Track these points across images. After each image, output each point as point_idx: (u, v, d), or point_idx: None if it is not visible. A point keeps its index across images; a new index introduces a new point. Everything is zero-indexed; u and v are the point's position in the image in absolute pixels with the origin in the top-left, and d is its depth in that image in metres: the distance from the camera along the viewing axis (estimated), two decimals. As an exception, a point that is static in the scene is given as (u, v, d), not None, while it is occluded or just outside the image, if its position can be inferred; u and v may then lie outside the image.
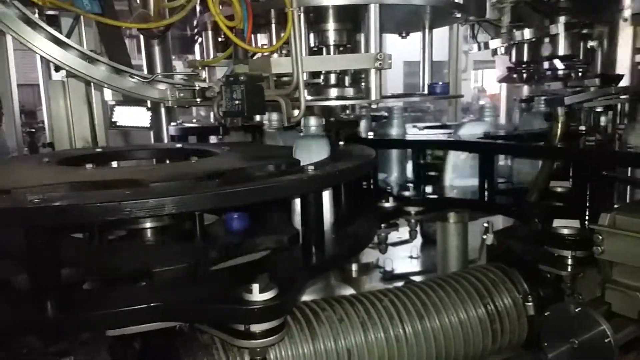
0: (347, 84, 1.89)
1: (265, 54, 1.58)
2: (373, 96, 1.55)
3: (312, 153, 1.57)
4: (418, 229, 2.51)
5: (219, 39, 2.07)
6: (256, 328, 1.08)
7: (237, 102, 1.35)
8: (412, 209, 2.08)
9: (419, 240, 3.56)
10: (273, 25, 1.84)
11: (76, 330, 1.07)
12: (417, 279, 3.32)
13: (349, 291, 2.86)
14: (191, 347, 1.18)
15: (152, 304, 1.04)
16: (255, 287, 1.07)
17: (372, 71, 1.53)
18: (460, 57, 6.42)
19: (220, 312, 1.08)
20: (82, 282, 1.13)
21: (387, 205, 2.00)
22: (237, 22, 1.34)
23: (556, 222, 1.60)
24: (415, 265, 3.61)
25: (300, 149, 1.60)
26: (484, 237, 1.72)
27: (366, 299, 1.46)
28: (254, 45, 1.82)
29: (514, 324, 1.56)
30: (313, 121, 1.64)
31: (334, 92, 1.93)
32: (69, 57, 1.46)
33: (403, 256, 3.61)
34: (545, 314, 1.38)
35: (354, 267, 3.15)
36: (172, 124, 2.64)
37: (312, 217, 1.36)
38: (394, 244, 3.52)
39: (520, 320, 1.58)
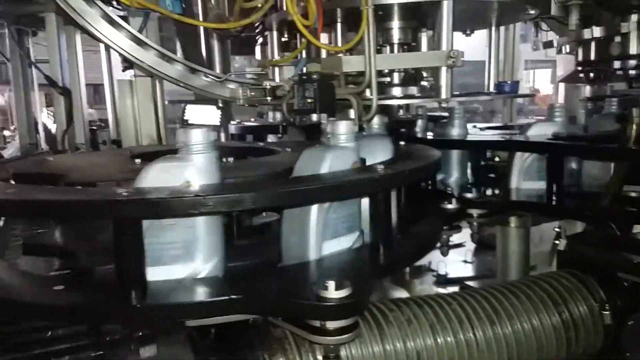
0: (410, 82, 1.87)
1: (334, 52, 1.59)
2: (443, 94, 1.53)
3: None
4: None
5: (282, 39, 2.10)
6: (332, 325, 1.08)
7: (309, 100, 1.36)
8: (475, 212, 2.04)
9: (472, 244, 3.48)
10: (339, 25, 1.85)
11: (159, 320, 1.10)
12: (472, 284, 3.27)
13: (402, 293, 2.83)
14: (265, 340, 1.19)
15: (232, 297, 1.06)
16: (331, 284, 1.07)
17: (443, 69, 1.51)
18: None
19: (297, 307, 1.09)
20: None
21: (449, 206, 1.96)
22: (312, 21, 1.35)
23: (636, 228, 1.52)
24: (469, 270, 3.53)
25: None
26: (556, 242, 1.66)
27: (434, 301, 1.43)
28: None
29: (589, 332, 1.50)
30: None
31: (397, 91, 1.92)
32: (146, 55, 1.51)
33: (456, 260, 3.54)
34: (629, 323, 1.31)
35: (406, 269, 3.11)
36: (232, 122, 2.69)
37: (381, 217, 1.35)
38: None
39: (596, 329, 1.51)
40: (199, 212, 1.00)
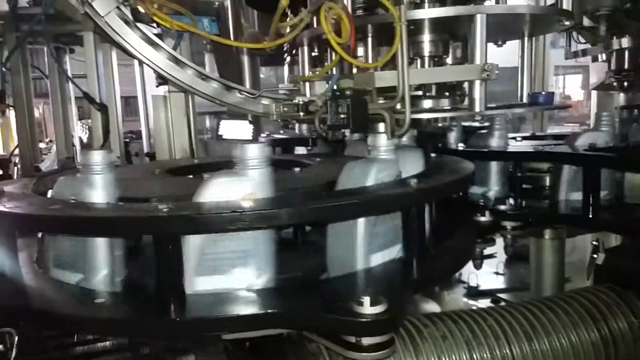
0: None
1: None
2: (477, 107, 1.52)
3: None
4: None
5: (312, 54, 2.12)
6: (367, 341, 1.08)
7: (342, 116, 1.38)
8: (509, 224, 2.01)
9: (503, 255, 3.41)
10: (369, 39, 1.86)
11: (196, 333, 1.13)
12: (504, 296, 3.20)
13: (433, 306, 2.80)
14: (300, 354, 1.20)
15: (269, 311, 1.08)
16: (367, 299, 1.07)
17: (477, 82, 1.50)
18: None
19: (332, 322, 1.09)
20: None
21: (482, 219, 1.94)
22: (345, 39, 1.37)
23: (680, 243, 1.48)
24: (500, 282, 3.47)
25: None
26: (594, 256, 1.62)
27: (469, 317, 1.42)
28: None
29: (629, 349, 1.46)
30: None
31: (427, 103, 1.91)
32: (183, 74, 1.55)
33: (488, 271, 3.48)
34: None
35: (436, 280, 3.06)
36: (262, 135, 2.73)
37: (414, 232, 1.35)
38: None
39: (636, 345, 1.47)
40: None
